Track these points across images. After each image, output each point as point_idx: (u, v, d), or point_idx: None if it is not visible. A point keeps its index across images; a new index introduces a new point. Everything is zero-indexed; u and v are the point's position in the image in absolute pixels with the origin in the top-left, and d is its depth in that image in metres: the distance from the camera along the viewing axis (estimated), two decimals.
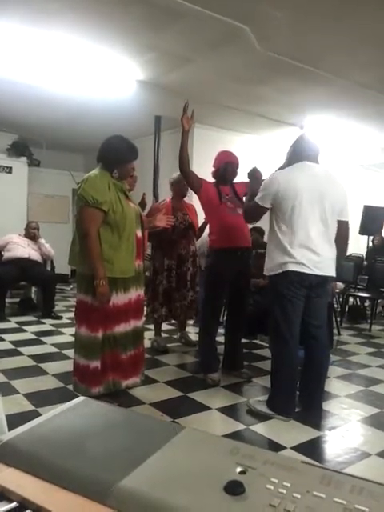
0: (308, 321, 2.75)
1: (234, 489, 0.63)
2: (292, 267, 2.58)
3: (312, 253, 2.60)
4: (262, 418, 2.73)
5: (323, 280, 2.67)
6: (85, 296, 2.61)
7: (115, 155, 2.62)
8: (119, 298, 2.60)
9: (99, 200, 2.47)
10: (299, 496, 0.62)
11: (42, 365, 3.57)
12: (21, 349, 3.98)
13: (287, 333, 2.67)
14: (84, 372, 2.62)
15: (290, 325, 2.68)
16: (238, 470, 0.68)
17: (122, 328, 2.63)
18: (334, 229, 2.70)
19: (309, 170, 2.67)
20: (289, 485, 0.64)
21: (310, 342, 2.80)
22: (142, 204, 3.51)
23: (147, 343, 4.18)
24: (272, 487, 0.64)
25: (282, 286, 2.65)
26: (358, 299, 6.31)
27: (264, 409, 2.77)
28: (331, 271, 2.69)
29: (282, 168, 2.86)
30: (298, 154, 2.73)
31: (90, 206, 2.48)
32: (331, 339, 4.12)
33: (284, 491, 0.63)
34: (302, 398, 2.85)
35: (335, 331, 5.01)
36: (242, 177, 3.46)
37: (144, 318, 2.85)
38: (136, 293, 2.71)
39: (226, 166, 3.32)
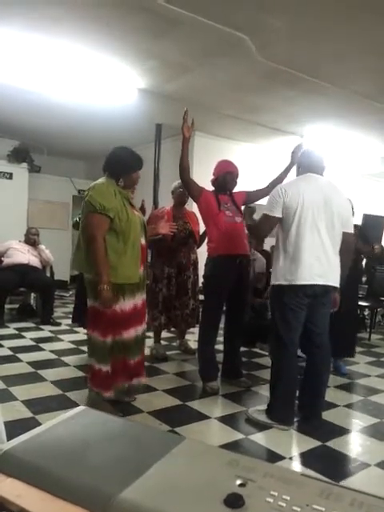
0: (311, 328, 2.75)
1: (234, 502, 0.63)
2: (297, 281, 2.59)
3: (317, 262, 2.60)
4: (260, 427, 2.71)
5: (327, 289, 2.66)
6: (94, 302, 2.65)
7: (121, 165, 2.68)
8: (126, 304, 2.65)
9: (106, 206, 2.52)
10: (299, 509, 0.62)
11: (40, 371, 3.56)
12: (19, 355, 3.97)
13: (288, 340, 2.68)
14: (97, 375, 2.68)
15: (291, 332, 2.68)
16: (238, 482, 0.68)
17: (131, 333, 2.69)
18: (339, 238, 2.70)
19: (314, 181, 2.70)
20: (288, 498, 0.64)
21: (312, 350, 2.80)
22: (142, 211, 3.51)
23: (147, 351, 4.17)
24: (272, 500, 0.64)
25: (285, 295, 2.65)
26: (357, 308, 6.29)
27: (263, 418, 2.76)
28: (335, 281, 2.68)
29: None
30: (303, 168, 2.78)
31: (97, 213, 2.52)
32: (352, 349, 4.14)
33: (284, 504, 0.63)
34: (302, 407, 2.84)
35: None
36: (241, 186, 3.48)
37: (145, 324, 2.90)
38: (141, 298, 2.77)
39: (225, 175, 3.34)
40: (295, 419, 2.77)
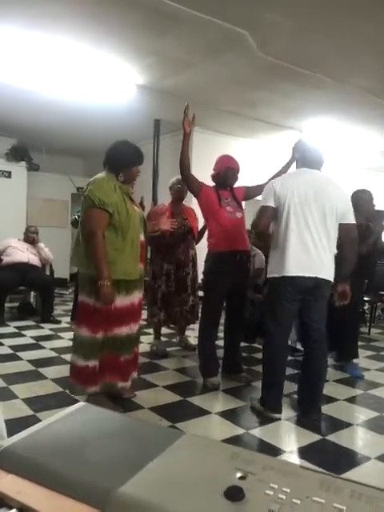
0: (308, 323, 2.77)
1: (234, 494, 0.63)
2: (284, 273, 2.62)
3: (305, 254, 2.61)
4: (261, 421, 2.72)
5: (319, 283, 2.65)
6: (87, 297, 2.62)
7: (121, 159, 2.66)
8: (121, 301, 2.61)
9: (105, 201, 2.50)
10: (299, 502, 0.62)
11: (40, 369, 3.56)
12: (20, 353, 3.97)
13: (275, 332, 2.74)
14: (82, 372, 2.63)
15: (279, 325, 2.74)
16: (238, 475, 0.68)
17: (124, 331, 2.65)
18: (334, 232, 2.69)
19: (307, 175, 2.71)
20: (288, 490, 0.64)
21: (310, 344, 2.81)
22: (141, 207, 3.51)
23: (147, 347, 4.19)
24: (272, 493, 0.64)
25: (277, 289, 2.70)
26: (359, 305, 6.29)
27: (258, 405, 2.83)
28: (327, 274, 2.67)
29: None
30: (299, 162, 2.81)
31: (96, 207, 2.50)
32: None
33: (284, 497, 0.63)
34: (301, 402, 2.85)
35: None
36: (241, 181, 3.47)
37: (140, 321, 2.88)
38: (138, 296, 2.74)
39: (226, 171, 3.33)
40: (295, 413, 2.79)
